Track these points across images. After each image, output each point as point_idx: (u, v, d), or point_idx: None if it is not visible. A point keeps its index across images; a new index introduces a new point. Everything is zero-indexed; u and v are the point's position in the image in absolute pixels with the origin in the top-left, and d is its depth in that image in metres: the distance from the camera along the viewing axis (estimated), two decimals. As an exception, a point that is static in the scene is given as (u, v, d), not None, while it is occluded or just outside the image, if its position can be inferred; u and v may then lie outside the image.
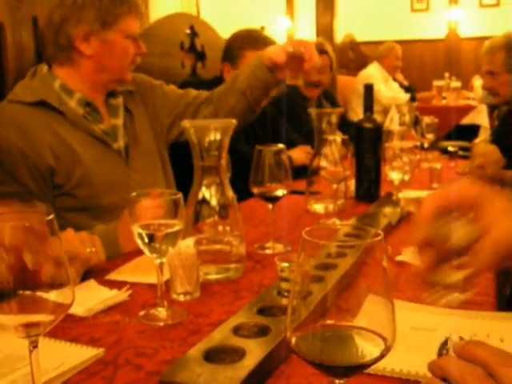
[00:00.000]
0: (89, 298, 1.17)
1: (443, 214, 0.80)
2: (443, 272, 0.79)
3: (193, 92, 2.12)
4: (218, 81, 2.70)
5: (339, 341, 0.65)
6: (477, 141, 3.60)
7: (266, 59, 1.85)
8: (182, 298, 1.21)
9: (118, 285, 1.26)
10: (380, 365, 0.89)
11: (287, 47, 1.80)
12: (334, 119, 1.89)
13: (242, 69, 2.01)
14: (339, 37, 6.92)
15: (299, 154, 2.65)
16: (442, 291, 0.80)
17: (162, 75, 3.94)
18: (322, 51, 3.59)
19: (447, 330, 1.07)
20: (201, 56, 4.08)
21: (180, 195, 1.10)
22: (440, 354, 0.69)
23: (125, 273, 1.36)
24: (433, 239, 0.79)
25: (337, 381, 0.64)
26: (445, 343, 0.70)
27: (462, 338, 0.70)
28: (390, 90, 6.15)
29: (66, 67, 1.84)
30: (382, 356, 0.62)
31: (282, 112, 3.12)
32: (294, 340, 0.63)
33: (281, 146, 1.52)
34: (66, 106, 1.79)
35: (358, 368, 0.63)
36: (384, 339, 0.62)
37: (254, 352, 0.90)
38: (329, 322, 0.65)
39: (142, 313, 1.14)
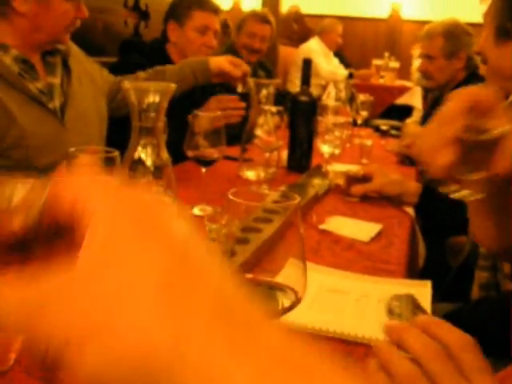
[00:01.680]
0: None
1: (468, 112, 0.80)
2: (462, 169, 0.79)
3: (111, 77, 2.19)
4: (158, 43, 2.69)
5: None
6: (408, 121, 3.73)
7: (214, 67, 2.14)
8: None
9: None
10: (295, 321, 0.98)
11: (241, 65, 2.19)
12: (271, 90, 1.95)
13: (170, 66, 2.26)
14: (284, 8, 6.95)
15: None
16: (455, 186, 0.81)
17: (105, 31, 3.91)
18: (266, 21, 3.68)
19: (359, 293, 1.17)
20: (144, 15, 4.04)
21: (117, 153, 1.14)
22: (389, 311, 0.72)
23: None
24: (462, 133, 0.78)
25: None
26: (394, 299, 0.73)
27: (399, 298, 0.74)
28: (329, 65, 6.23)
29: (1, 22, 1.75)
30: (292, 306, 0.69)
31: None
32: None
33: (218, 112, 1.57)
34: (1, 63, 1.71)
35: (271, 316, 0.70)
36: (295, 292, 0.69)
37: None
38: (248, 276, 0.71)
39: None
